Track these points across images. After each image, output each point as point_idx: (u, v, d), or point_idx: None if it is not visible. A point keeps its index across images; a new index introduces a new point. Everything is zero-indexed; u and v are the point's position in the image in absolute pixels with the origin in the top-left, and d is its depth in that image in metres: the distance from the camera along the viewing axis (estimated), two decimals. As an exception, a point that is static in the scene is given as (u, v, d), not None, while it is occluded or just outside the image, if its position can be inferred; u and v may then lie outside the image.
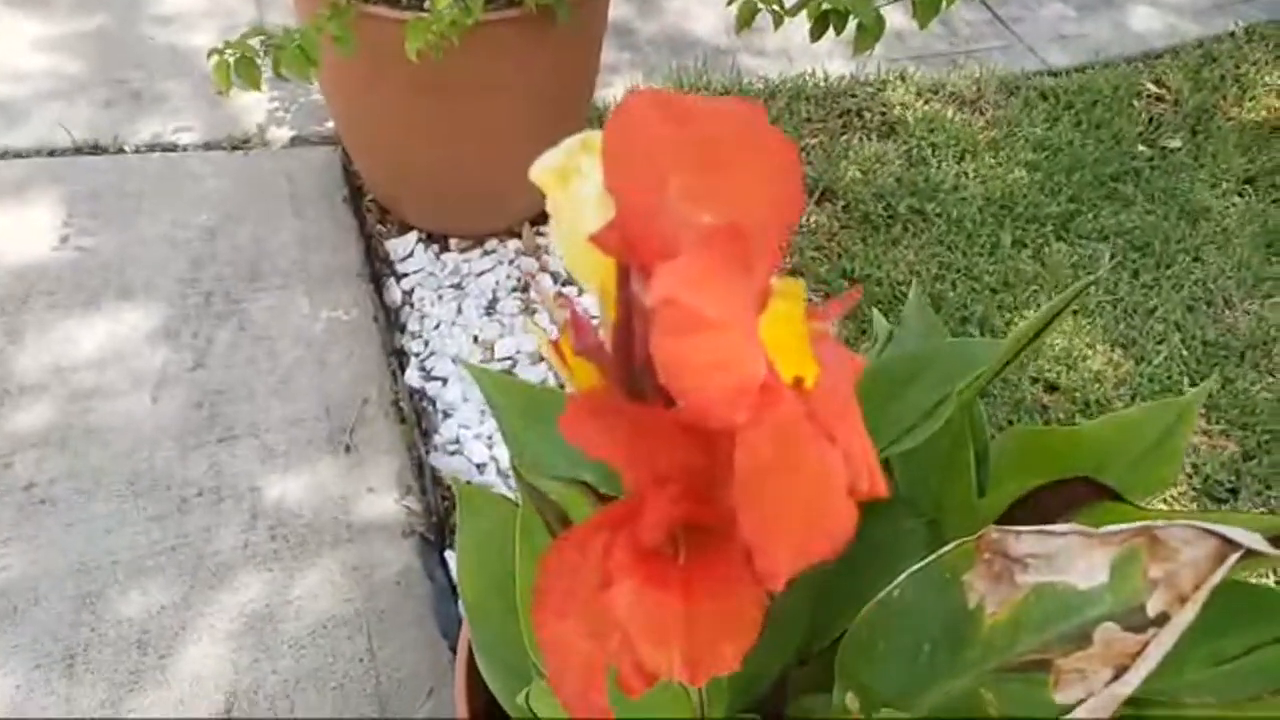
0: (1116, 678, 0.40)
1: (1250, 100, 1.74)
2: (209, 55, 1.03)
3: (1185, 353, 1.33)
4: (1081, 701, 0.39)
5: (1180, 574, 0.41)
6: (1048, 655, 0.40)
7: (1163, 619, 0.40)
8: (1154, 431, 0.52)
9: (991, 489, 0.52)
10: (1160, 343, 1.34)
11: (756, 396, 0.21)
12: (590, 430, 0.24)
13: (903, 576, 0.43)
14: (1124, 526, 0.41)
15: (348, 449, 1.16)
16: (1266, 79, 1.78)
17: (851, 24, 1.13)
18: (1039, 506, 0.50)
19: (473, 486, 0.62)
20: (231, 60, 1.01)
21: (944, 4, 1.09)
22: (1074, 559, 0.41)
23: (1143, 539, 0.41)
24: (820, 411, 0.23)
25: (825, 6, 1.12)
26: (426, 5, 1.09)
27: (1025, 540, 0.41)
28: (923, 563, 0.43)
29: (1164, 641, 0.40)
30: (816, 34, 1.13)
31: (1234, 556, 0.41)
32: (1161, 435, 0.52)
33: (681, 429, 0.24)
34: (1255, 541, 0.41)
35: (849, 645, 0.44)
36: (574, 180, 0.25)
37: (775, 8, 1.13)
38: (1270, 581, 1.07)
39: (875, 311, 0.70)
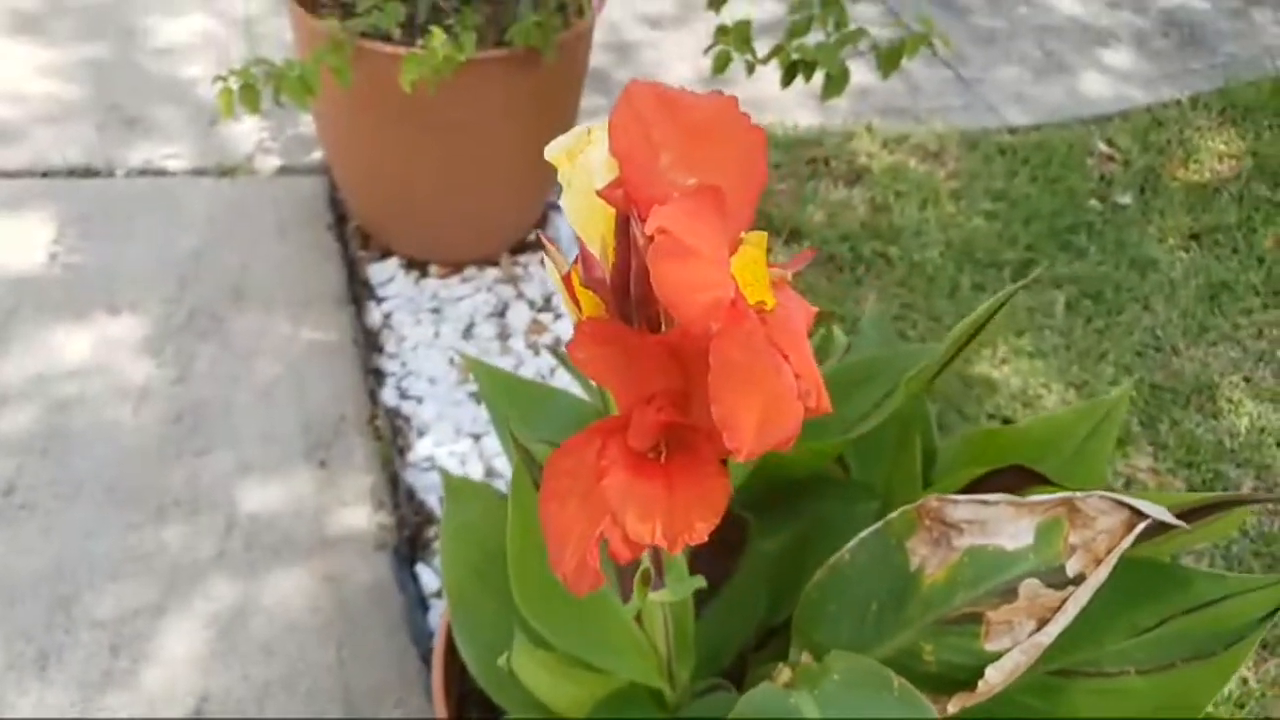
0: (1039, 628, 0.44)
1: (1195, 162, 1.84)
2: (214, 81, 1.08)
3: (1135, 394, 1.40)
4: (1009, 650, 0.44)
5: (1096, 540, 0.46)
6: (980, 609, 0.45)
7: (1080, 578, 0.45)
8: (1084, 429, 0.58)
9: (940, 479, 0.57)
10: (1111, 384, 1.41)
11: (727, 311, 0.25)
12: (594, 355, 0.29)
13: (852, 543, 0.47)
14: (1048, 497, 0.46)
15: (323, 464, 1.19)
16: (1209, 144, 1.88)
17: (819, 74, 1.21)
18: (979, 492, 0.55)
19: (458, 477, 0.66)
20: (235, 87, 1.06)
21: (903, 57, 1.16)
22: (1003, 524, 0.45)
23: (1064, 508, 0.46)
24: (776, 335, 0.27)
25: (795, 56, 1.19)
26: (420, 42, 1.15)
27: (961, 507, 0.46)
28: (869, 530, 0.47)
29: (1080, 598, 0.45)
30: (786, 81, 1.20)
31: (1142, 525, 0.46)
32: (1090, 433, 0.58)
33: (667, 352, 0.29)
34: (1161, 513, 0.47)
35: (803, 608, 0.48)
36: (586, 151, 0.30)
37: (748, 56, 1.21)
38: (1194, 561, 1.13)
39: (836, 329, 0.75)
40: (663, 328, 0.30)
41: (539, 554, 0.49)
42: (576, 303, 0.31)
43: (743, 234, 0.29)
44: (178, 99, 1.68)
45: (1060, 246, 1.63)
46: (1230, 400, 1.40)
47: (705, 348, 0.27)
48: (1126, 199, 1.75)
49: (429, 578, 1.08)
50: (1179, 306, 1.55)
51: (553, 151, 0.32)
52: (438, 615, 1.06)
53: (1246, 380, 1.43)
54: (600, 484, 0.28)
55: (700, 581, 0.42)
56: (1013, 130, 1.88)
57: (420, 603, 1.06)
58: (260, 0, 1.93)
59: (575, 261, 0.31)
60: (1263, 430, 1.35)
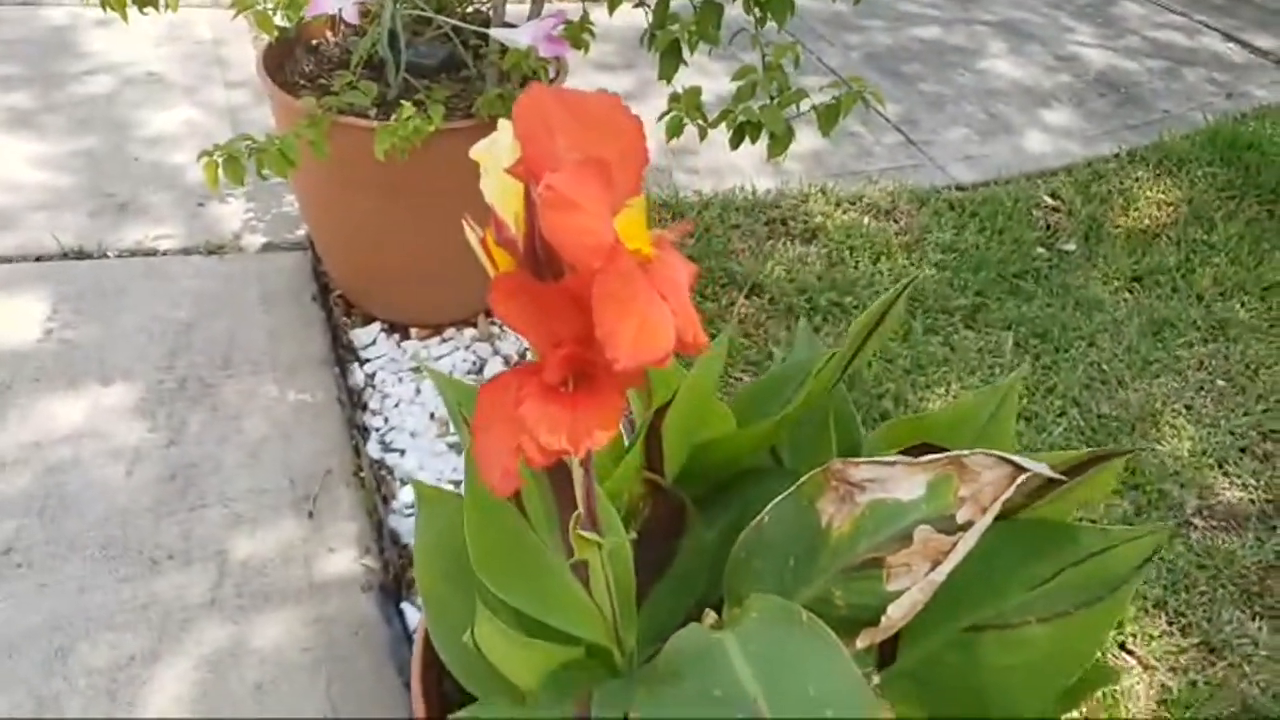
0: (934, 568, 0.50)
1: (1135, 210, 1.95)
2: (199, 157, 1.16)
3: (1083, 424, 1.47)
4: (908, 589, 0.50)
5: (982, 491, 0.52)
6: (880, 554, 0.51)
7: (968, 525, 0.52)
8: (985, 412, 0.65)
9: (860, 464, 0.64)
10: (1060, 415, 1.48)
11: (607, 252, 0.32)
12: (510, 309, 0.36)
13: (770, 506, 0.54)
14: (938, 456, 0.53)
15: (311, 514, 1.25)
16: (1147, 193, 1.99)
17: (765, 135, 1.30)
18: (892, 471, 0.61)
19: (430, 485, 0.72)
20: (220, 160, 1.14)
21: (841, 115, 1.26)
22: (900, 481, 0.52)
23: (954, 466, 0.53)
24: (656, 278, 0.35)
25: (741, 119, 1.29)
26: (394, 117, 1.24)
27: (863, 468, 0.52)
28: (784, 494, 0.54)
29: (969, 541, 0.51)
30: (735, 142, 1.30)
31: (1022, 477, 0.52)
32: (991, 415, 0.65)
33: (569, 299, 0.36)
34: (1039, 467, 0.53)
35: (731, 567, 0.54)
36: (497, 138, 0.38)
37: (699, 121, 1.30)
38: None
39: (775, 350, 0.82)
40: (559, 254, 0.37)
41: (494, 525, 0.55)
42: (493, 261, 0.38)
43: (629, 201, 0.36)
44: (167, 184, 1.77)
45: (1009, 291, 1.71)
46: (1173, 426, 1.47)
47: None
48: (1071, 246, 1.85)
49: (413, 614, 1.12)
50: (1123, 343, 1.63)
51: (476, 150, 0.39)
52: (420, 652, 1.10)
53: (1188, 408, 1.51)
54: (518, 410, 0.35)
55: (631, 534, 0.48)
56: (961, 187, 1.99)
57: (405, 637, 1.10)
58: (243, 91, 2.04)
59: (489, 226, 0.38)
60: (1204, 453, 1.42)
